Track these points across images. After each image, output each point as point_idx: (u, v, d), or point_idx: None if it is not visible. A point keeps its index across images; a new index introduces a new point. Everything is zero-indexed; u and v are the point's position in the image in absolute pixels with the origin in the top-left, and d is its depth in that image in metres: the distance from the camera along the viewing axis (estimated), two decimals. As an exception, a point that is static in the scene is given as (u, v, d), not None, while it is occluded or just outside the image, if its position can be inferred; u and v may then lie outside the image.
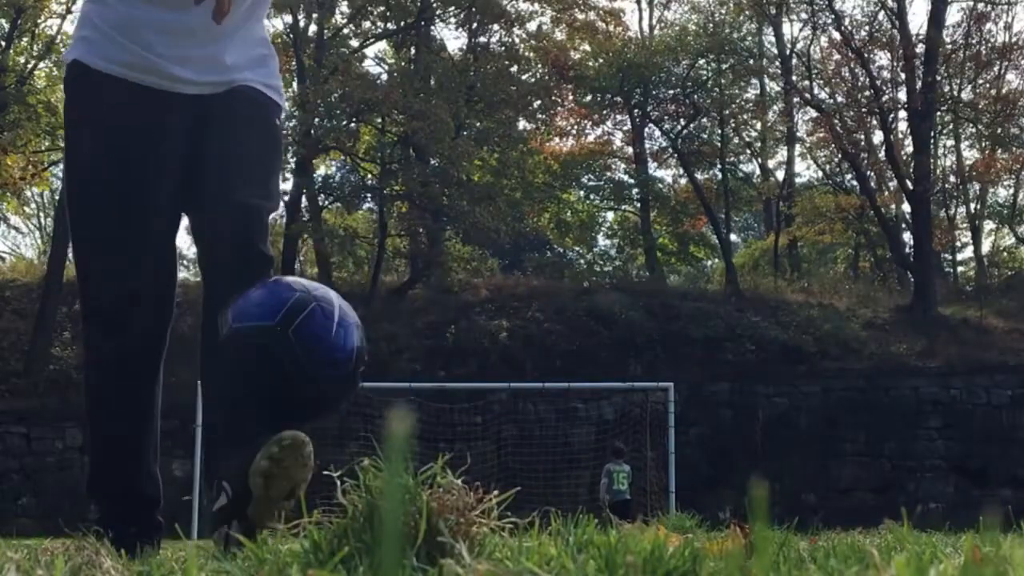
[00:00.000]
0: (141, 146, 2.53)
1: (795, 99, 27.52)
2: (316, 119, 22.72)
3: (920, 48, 24.44)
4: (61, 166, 19.28)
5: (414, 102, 22.72)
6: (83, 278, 2.59)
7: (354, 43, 26.87)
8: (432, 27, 27.28)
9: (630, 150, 29.73)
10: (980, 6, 26.51)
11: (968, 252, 32.74)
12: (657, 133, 29.08)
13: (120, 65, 2.54)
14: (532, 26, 28.11)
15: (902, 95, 25.19)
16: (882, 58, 25.60)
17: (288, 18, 24.73)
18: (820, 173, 31.11)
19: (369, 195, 26.85)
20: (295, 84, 24.17)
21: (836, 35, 25.94)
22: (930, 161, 25.56)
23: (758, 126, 29.68)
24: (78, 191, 2.57)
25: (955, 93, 27.40)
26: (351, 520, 1.32)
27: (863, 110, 24.97)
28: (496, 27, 27.26)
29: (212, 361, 2.49)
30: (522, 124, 28.25)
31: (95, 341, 2.58)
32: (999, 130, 25.96)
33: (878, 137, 25.26)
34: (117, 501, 2.54)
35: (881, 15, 25.73)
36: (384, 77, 27.64)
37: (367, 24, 26.92)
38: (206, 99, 2.60)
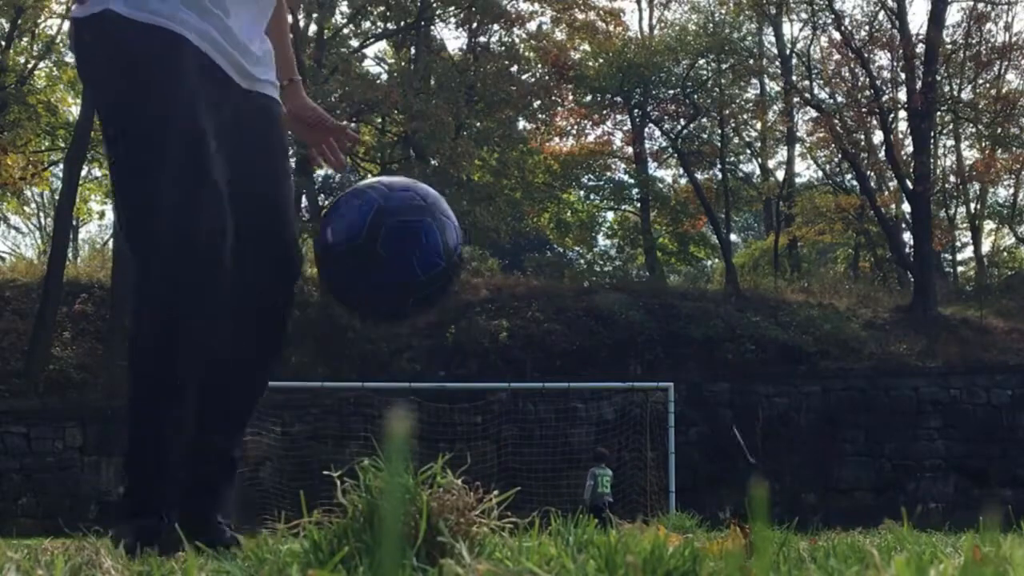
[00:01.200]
0: (203, 105, 2.38)
1: (795, 99, 27.53)
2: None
3: (920, 48, 24.44)
4: (79, 152, 19.08)
5: (414, 102, 22.73)
6: (162, 207, 2.30)
7: (354, 43, 26.88)
8: (432, 27, 27.29)
9: (630, 150, 29.74)
10: (980, 6, 26.52)
11: (968, 252, 32.79)
12: (657, 133, 29.12)
13: (167, 19, 2.36)
14: (532, 26, 28.16)
15: (902, 95, 25.20)
16: (882, 58, 25.64)
17: (288, 18, 24.69)
18: (820, 173, 31.16)
19: (369, 195, 26.80)
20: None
21: (836, 35, 25.96)
22: (930, 161, 25.56)
23: (758, 126, 29.71)
24: (150, 142, 2.32)
25: (955, 93, 27.41)
26: (351, 520, 1.32)
27: (863, 110, 24.97)
28: (496, 27, 27.29)
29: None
30: (522, 124, 28.28)
31: (175, 280, 2.29)
32: (999, 130, 25.96)
33: (878, 137, 25.28)
34: (151, 474, 2.33)
35: (881, 15, 25.76)
36: (384, 77, 27.64)
37: (367, 24, 26.94)
38: (246, 95, 2.54)
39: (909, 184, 23.94)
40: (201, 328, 2.34)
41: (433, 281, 2.41)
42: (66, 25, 22.72)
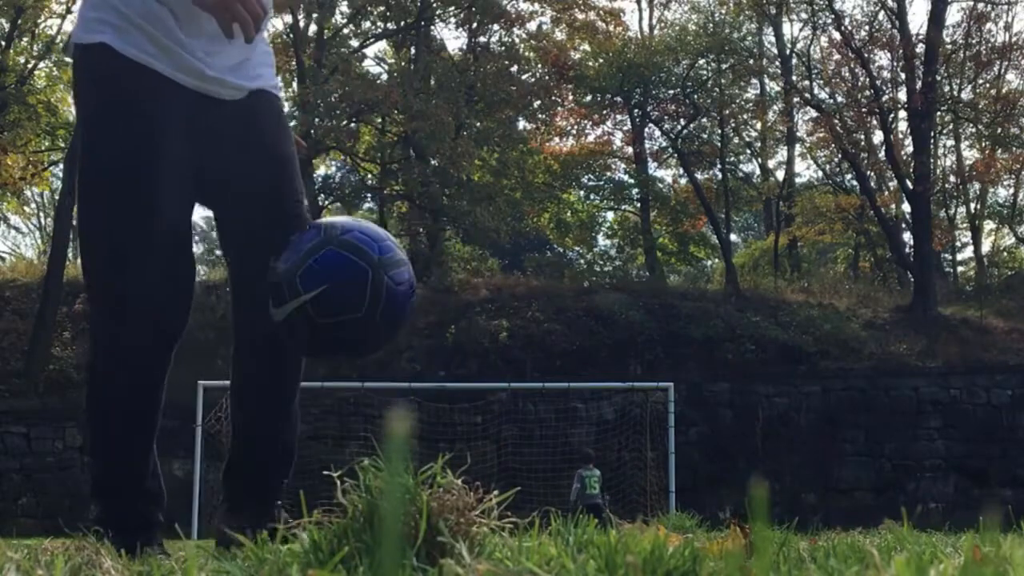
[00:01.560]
0: (174, 139, 2.50)
1: (795, 99, 27.52)
2: (316, 119, 22.71)
3: (920, 48, 24.43)
4: (74, 152, 19.22)
5: (414, 102, 22.73)
6: (104, 264, 2.51)
7: (354, 43, 26.88)
8: (432, 27, 27.29)
9: (630, 150, 29.74)
10: (980, 6, 26.52)
11: (968, 252, 32.79)
12: (657, 133, 29.12)
13: (152, 57, 2.49)
14: (532, 26, 28.15)
15: (902, 95, 25.20)
16: (882, 58, 25.64)
17: (288, 18, 24.73)
18: (820, 173, 31.15)
19: (369, 195, 26.87)
20: (295, 84, 24.18)
21: (836, 35, 25.96)
22: (930, 161, 25.57)
23: (758, 126, 29.71)
24: (109, 173, 2.52)
25: (955, 93, 27.41)
26: (351, 520, 1.32)
27: (863, 110, 24.97)
28: (496, 27, 27.28)
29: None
30: (522, 124, 28.28)
31: (114, 330, 2.51)
32: (999, 130, 25.96)
33: (878, 137, 25.28)
34: (124, 499, 2.50)
35: (881, 15, 25.76)
36: (384, 77, 27.64)
37: (367, 24, 26.93)
38: (238, 104, 2.60)
39: (909, 184, 23.94)
40: (132, 385, 2.54)
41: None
42: (67, 25, 22.75)
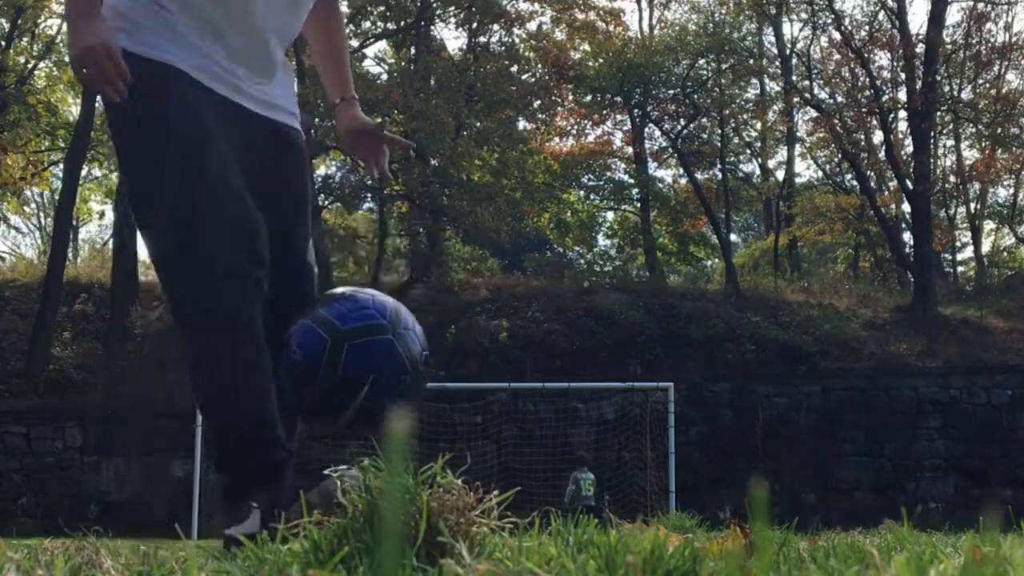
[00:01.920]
0: (221, 136, 2.42)
1: (795, 99, 27.53)
2: (316, 119, 22.71)
3: (920, 48, 24.44)
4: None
5: (414, 102, 22.73)
6: (196, 228, 2.35)
7: (354, 43, 26.87)
8: (432, 27, 27.29)
9: (630, 150, 29.74)
10: (980, 6, 26.53)
11: (968, 252, 32.79)
12: (657, 133, 29.12)
13: (168, 53, 2.43)
14: (532, 26, 28.15)
15: (902, 95, 25.20)
16: (882, 58, 25.64)
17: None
18: (820, 173, 31.16)
19: (369, 195, 26.86)
20: (295, 84, 24.16)
21: (836, 35, 25.96)
22: (930, 161, 25.57)
23: (758, 126, 29.71)
24: (166, 151, 2.36)
25: (955, 93, 27.41)
26: (351, 520, 1.32)
27: (863, 110, 24.98)
28: (496, 27, 27.28)
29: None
30: (522, 124, 28.28)
31: (214, 292, 2.35)
32: (999, 130, 25.96)
33: (878, 137, 25.29)
34: (254, 465, 2.37)
35: (881, 15, 25.76)
36: (384, 77, 27.65)
37: (367, 24, 26.93)
38: (262, 121, 2.56)
39: (909, 184, 23.94)
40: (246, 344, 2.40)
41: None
42: (66, 25, 22.74)
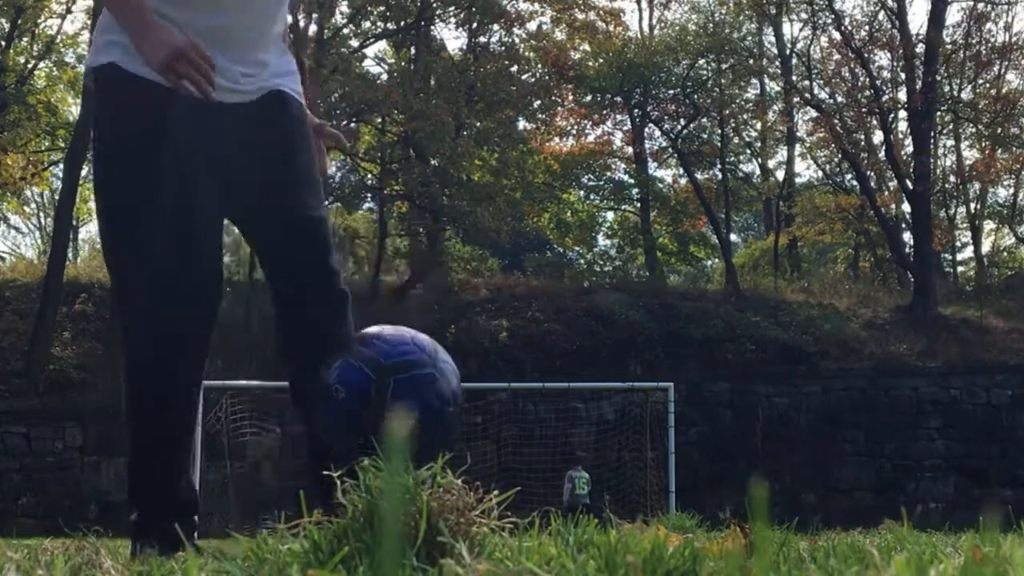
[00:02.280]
0: (190, 151, 2.47)
1: (795, 99, 27.53)
2: (316, 119, 22.72)
3: (920, 48, 24.44)
4: (75, 154, 19.17)
5: (414, 102, 22.73)
6: (128, 285, 2.49)
7: (354, 43, 26.88)
8: (432, 27, 27.28)
9: (630, 150, 29.74)
10: (980, 6, 26.53)
11: (968, 252, 32.78)
12: (657, 133, 29.12)
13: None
14: (532, 26, 28.14)
15: (902, 95, 25.20)
16: (882, 58, 25.64)
17: (288, 18, 24.71)
18: (820, 173, 31.16)
19: (369, 195, 26.86)
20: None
21: (836, 35, 25.96)
22: (930, 161, 25.56)
23: (758, 126, 29.70)
24: (126, 191, 2.47)
25: (955, 93, 27.40)
26: (351, 520, 1.32)
27: (863, 110, 24.98)
28: (496, 27, 27.27)
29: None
30: (522, 124, 28.27)
31: (141, 350, 2.50)
32: (999, 130, 25.96)
33: (878, 137, 25.28)
34: (159, 507, 2.50)
35: (881, 15, 25.76)
36: (384, 77, 27.65)
37: (367, 24, 26.94)
38: (249, 106, 2.58)
39: (909, 184, 23.94)
40: (161, 398, 2.52)
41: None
42: (67, 25, 22.74)
